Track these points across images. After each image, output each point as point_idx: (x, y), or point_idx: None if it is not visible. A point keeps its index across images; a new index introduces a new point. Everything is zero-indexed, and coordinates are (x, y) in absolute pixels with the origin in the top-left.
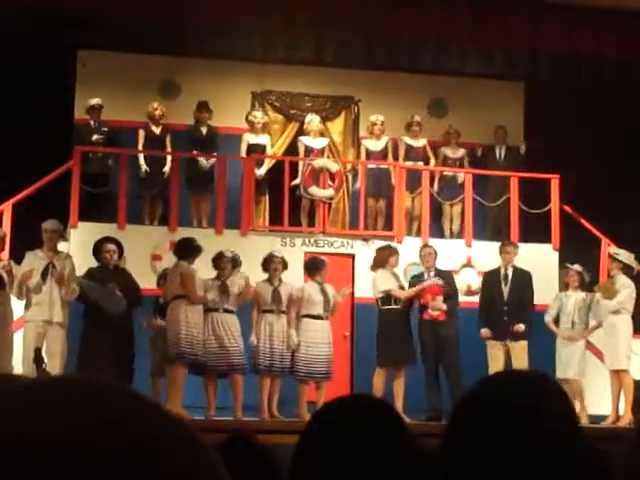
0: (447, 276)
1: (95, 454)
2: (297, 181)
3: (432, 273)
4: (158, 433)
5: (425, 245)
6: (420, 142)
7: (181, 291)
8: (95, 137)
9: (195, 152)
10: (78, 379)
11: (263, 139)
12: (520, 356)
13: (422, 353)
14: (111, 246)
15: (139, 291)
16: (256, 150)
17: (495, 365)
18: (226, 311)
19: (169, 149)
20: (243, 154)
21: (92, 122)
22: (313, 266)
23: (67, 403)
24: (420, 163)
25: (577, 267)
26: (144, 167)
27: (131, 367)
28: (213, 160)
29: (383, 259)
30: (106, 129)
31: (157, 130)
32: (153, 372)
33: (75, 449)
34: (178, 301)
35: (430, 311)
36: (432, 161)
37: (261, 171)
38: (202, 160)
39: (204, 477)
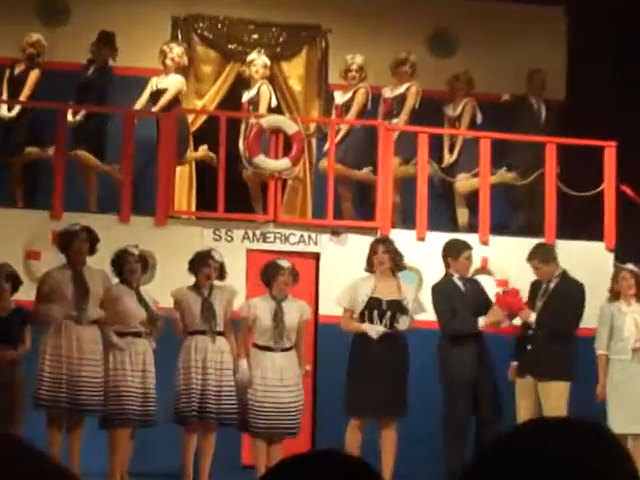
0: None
1: None
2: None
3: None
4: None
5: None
6: (400, 88)
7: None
8: None
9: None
10: None
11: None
12: (555, 403)
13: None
14: None
15: None
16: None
17: (523, 412)
18: (136, 334)
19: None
20: (138, 106)
21: None
22: (264, 275)
23: None
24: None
25: (631, 266)
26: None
27: None
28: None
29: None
30: None
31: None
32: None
33: None
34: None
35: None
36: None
37: None
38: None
39: None
